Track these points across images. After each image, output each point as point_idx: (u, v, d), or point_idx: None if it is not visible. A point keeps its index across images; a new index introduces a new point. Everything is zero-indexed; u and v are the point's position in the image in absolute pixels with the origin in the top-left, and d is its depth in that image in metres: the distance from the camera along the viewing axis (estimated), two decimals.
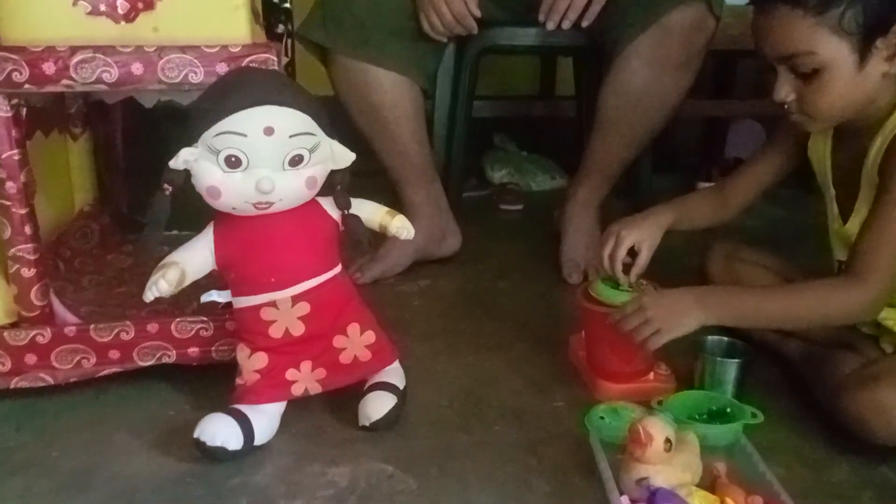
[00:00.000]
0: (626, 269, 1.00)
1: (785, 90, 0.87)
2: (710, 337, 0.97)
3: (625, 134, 1.32)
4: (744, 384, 0.93)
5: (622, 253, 0.99)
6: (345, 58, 1.31)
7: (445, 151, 1.53)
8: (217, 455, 0.80)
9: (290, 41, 1.88)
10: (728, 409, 0.89)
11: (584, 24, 1.25)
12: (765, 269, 1.11)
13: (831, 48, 0.82)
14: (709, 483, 0.77)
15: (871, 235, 0.85)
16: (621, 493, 0.74)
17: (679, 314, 0.89)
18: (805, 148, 1.01)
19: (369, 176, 1.40)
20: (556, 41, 1.42)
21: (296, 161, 0.81)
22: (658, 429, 0.74)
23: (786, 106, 0.88)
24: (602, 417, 0.88)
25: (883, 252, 0.84)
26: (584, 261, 1.41)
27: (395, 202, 1.40)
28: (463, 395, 0.98)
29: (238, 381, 0.87)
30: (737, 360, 0.92)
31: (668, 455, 0.75)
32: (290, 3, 2.37)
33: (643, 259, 1.00)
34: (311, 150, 0.82)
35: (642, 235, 1.00)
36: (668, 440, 0.75)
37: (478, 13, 1.26)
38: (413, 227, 0.92)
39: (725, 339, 0.98)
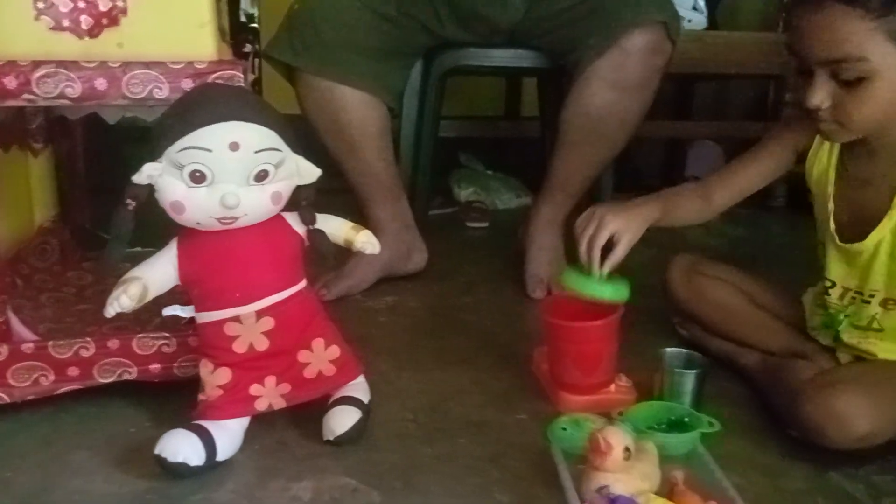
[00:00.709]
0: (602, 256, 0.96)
1: (821, 96, 0.82)
2: (668, 349, 1.00)
3: (586, 153, 1.36)
4: (702, 395, 0.95)
5: (603, 239, 0.93)
6: (312, 77, 1.33)
7: (412, 169, 1.54)
8: (178, 471, 0.79)
9: (257, 60, 1.89)
10: (686, 419, 0.91)
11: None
12: (724, 282, 1.13)
13: (885, 56, 0.78)
14: (667, 491, 0.79)
15: None
16: (582, 502, 0.76)
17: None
18: (798, 157, 0.98)
19: (336, 193, 1.42)
20: (519, 63, 1.46)
21: (261, 176, 0.82)
22: (617, 438, 0.76)
23: (819, 113, 0.84)
24: (564, 429, 0.89)
25: None
26: (548, 276, 1.43)
27: (362, 219, 1.41)
28: (427, 409, 0.99)
29: (200, 396, 0.87)
30: (694, 372, 0.95)
31: (628, 464, 0.77)
32: (258, 23, 2.39)
33: (620, 252, 0.94)
34: (277, 166, 0.83)
35: (625, 227, 0.94)
36: (627, 449, 0.76)
37: None
38: (378, 243, 0.93)
39: (684, 351, 1.00)
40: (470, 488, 0.82)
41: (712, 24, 2.14)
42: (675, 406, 0.93)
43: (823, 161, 0.95)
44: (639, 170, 2.49)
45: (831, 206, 0.93)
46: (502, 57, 1.46)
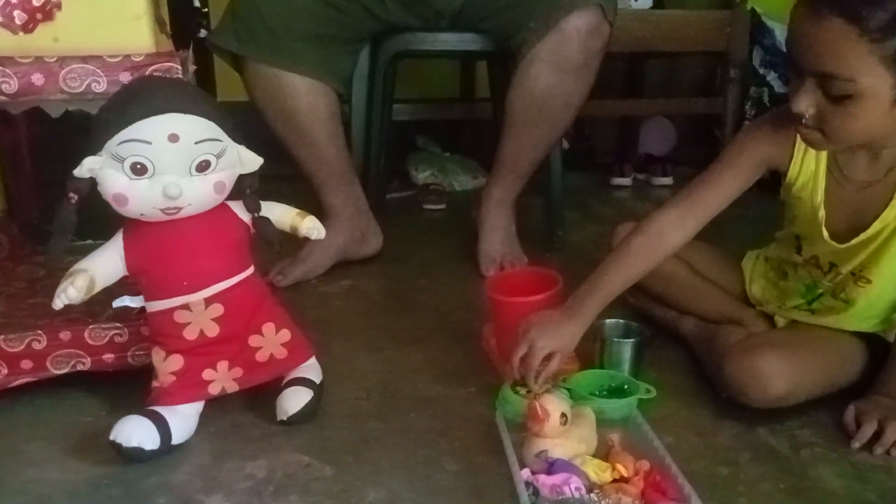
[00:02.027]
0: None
1: (806, 103, 0.80)
2: (608, 321, 1.05)
3: (532, 134, 1.39)
4: (640, 362, 1.00)
5: (535, 363, 0.91)
6: (258, 64, 1.34)
7: (364, 154, 1.56)
8: (133, 456, 0.82)
9: None
10: (625, 386, 0.96)
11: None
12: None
13: (873, 80, 0.76)
14: (604, 452, 0.83)
15: None
16: (523, 467, 0.80)
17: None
18: (762, 169, 0.95)
19: (289, 179, 1.43)
20: (465, 47, 1.48)
21: (203, 166, 0.83)
22: (554, 405, 0.80)
23: (803, 119, 0.82)
24: (516, 391, 0.92)
25: None
26: (500, 255, 1.47)
27: (317, 205, 1.43)
28: (380, 388, 1.02)
29: (154, 383, 0.89)
30: (631, 341, 1.00)
31: (565, 429, 0.81)
32: (207, 7, 2.37)
33: (553, 366, 0.92)
34: (218, 156, 0.84)
35: (557, 346, 0.91)
36: (563, 415, 0.81)
37: None
38: (324, 228, 0.95)
39: (622, 321, 1.05)
40: (419, 459, 0.86)
41: (658, 3, 2.18)
42: (615, 373, 0.98)
43: (811, 168, 0.92)
44: (593, 148, 2.55)
45: (822, 213, 0.92)
46: (448, 41, 1.48)
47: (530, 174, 1.48)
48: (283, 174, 1.43)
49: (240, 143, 0.88)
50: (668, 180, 2.25)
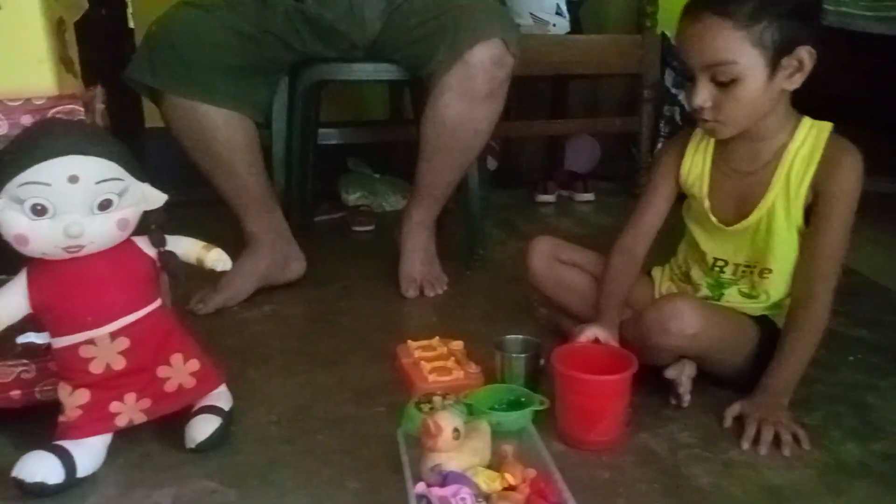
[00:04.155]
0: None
1: (703, 96, 0.95)
2: (508, 336, 1.11)
3: (445, 159, 1.45)
4: (536, 375, 1.07)
5: (579, 337, 1.02)
6: (174, 96, 1.36)
7: (285, 180, 1.60)
8: (37, 491, 0.83)
9: None
10: (522, 399, 1.02)
11: None
12: (579, 269, 1.24)
13: (751, 60, 0.92)
14: (498, 463, 0.89)
15: (814, 263, 1.00)
16: (419, 481, 0.85)
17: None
18: (675, 181, 1.11)
19: (215, 204, 1.46)
20: (379, 76, 1.54)
21: (105, 205, 0.86)
22: (446, 421, 0.86)
23: (703, 112, 0.97)
24: (419, 407, 0.97)
25: (825, 272, 0.99)
26: (420, 276, 1.53)
27: (241, 230, 1.46)
28: (291, 411, 1.06)
29: (61, 418, 0.90)
30: (524, 356, 1.06)
31: (458, 443, 0.86)
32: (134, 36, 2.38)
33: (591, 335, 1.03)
34: (120, 194, 0.87)
35: (597, 333, 1.02)
36: (456, 430, 0.86)
37: None
38: (230, 260, 0.98)
39: (521, 337, 1.11)
40: (323, 479, 0.90)
41: (576, 27, 2.29)
42: (514, 387, 1.04)
43: (699, 166, 1.08)
44: (521, 166, 2.64)
45: (707, 203, 1.07)
46: (363, 71, 1.53)
47: (448, 196, 1.55)
48: (208, 199, 1.47)
49: (144, 180, 0.91)
50: (589, 196, 2.35)
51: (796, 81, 0.97)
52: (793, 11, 0.93)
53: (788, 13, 0.92)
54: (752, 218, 1.04)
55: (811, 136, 1.01)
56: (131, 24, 2.46)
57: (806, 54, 0.95)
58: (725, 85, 0.94)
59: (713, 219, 1.07)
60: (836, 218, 0.99)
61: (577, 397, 0.96)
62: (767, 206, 1.02)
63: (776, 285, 1.06)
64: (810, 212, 1.02)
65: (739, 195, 1.06)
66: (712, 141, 1.08)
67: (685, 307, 0.98)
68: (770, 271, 1.06)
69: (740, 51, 0.92)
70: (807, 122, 1.02)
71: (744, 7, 0.91)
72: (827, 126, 1.02)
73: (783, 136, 1.02)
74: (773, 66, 0.94)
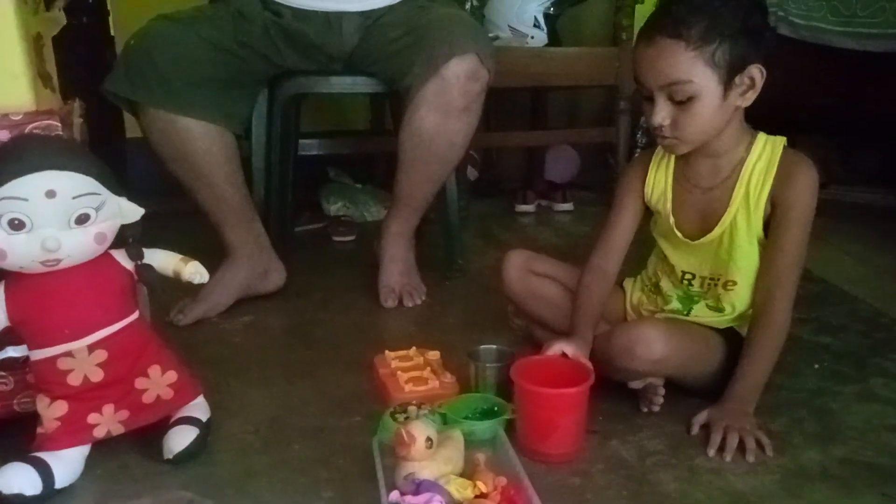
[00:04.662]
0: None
1: (661, 115, 0.99)
2: (482, 347, 1.13)
3: (422, 171, 1.47)
4: (508, 385, 1.08)
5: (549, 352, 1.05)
6: (153, 109, 1.37)
7: (265, 191, 1.61)
8: (15, 502, 0.84)
9: None
10: (495, 408, 1.04)
11: None
12: (552, 281, 1.27)
13: (705, 79, 0.96)
14: (471, 471, 0.91)
15: (773, 271, 1.03)
16: (393, 489, 0.87)
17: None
18: (641, 198, 1.14)
19: (193, 214, 1.47)
20: (357, 89, 1.57)
21: (82, 219, 0.87)
22: (419, 430, 0.88)
23: (662, 130, 1.00)
24: (394, 416, 0.99)
25: (784, 281, 1.03)
26: (399, 286, 1.54)
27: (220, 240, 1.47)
28: (268, 421, 1.07)
29: (39, 430, 0.91)
30: (497, 365, 1.08)
31: (431, 451, 0.88)
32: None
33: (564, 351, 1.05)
34: (98, 209, 0.89)
35: (566, 348, 1.04)
36: (429, 439, 0.88)
37: None
38: (207, 273, 0.99)
39: (494, 347, 1.14)
40: (299, 489, 0.91)
41: (554, 40, 2.32)
42: (487, 396, 1.06)
43: (661, 183, 1.12)
44: (501, 176, 2.67)
45: (672, 219, 1.11)
46: (341, 83, 1.56)
47: (426, 207, 1.57)
48: (189, 209, 1.48)
49: (121, 194, 0.92)
50: (568, 206, 2.38)
51: (749, 98, 1.01)
52: (742, 32, 0.97)
53: (737, 34, 0.96)
54: (716, 232, 1.07)
55: (766, 150, 1.05)
56: (112, 33, 2.48)
57: (757, 72, 0.99)
58: (683, 103, 0.98)
59: (678, 234, 1.11)
60: (792, 228, 1.03)
61: (531, 409, 0.98)
62: (730, 219, 1.06)
63: (741, 297, 1.09)
64: (769, 223, 1.05)
65: (702, 210, 1.09)
66: (673, 158, 1.11)
67: (651, 332, 1.01)
68: (735, 283, 1.09)
69: (694, 70, 0.96)
70: (762, 137, 1.06)
71: (694, 29, 0.96)
72: (780, 140, 1.06)
73: (740, 151, 1.06)
74: (727, 84, 0.98)
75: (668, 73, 0.97)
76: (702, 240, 1.09)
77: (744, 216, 1.05)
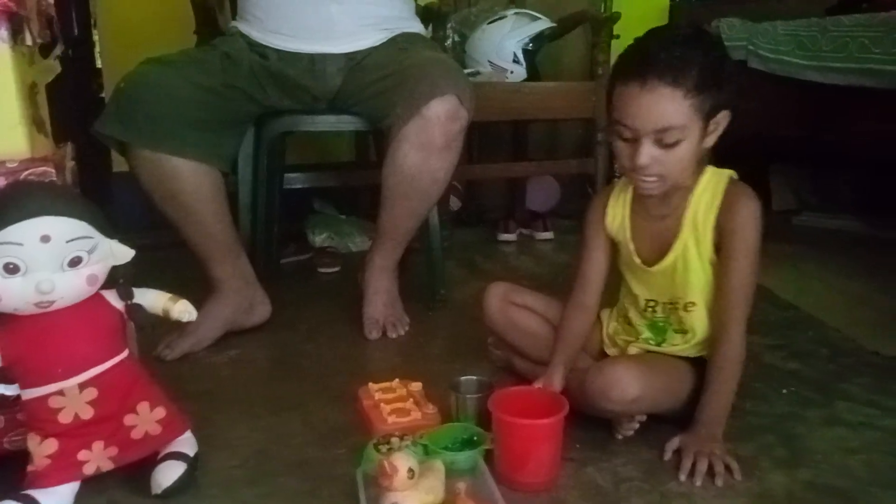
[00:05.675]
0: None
1: (648, 158, 1.02)
2: (463, 378, 1.17)
3: (404, 206, 1.52)
4: (488, 415, 1.12)
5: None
6: (142, 150, 1.41)
7: (251, 226, 1.65)
8: None
9: None
10: (475, 438, 1.08)
11: None
12: (532, 312, 1.32)
13: (693, 124, 1.01)
14: (451, 500, 0.94)
15: (723, 301, 1.09)
16: None
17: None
18: (606, 231, 1.19)
19: (179, 247, 1.50)
20: (341, 128, 1.62)
21: (75, 262, 0.91)
22: (401, 461, 0.91)
23: (645, 170, 1.03)
24: (378, 448, 1.03)
25: (734, 309, 1.08)
26: (384, 317, 1.58)
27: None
28: (255, 455, 1.10)
29: (30, 467, 0.94)
30: (477, 396, 1.12)
31: (413, 482, 0.91)
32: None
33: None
34: (90, 251, 0.92)
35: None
36: (410, 469, 0.91)
37: None
38: (195, 311, 1.03)
39: (475, 377, 1.18)
40: None
41: (533, 74, 2.40)
42: (468, 426, 1.10)
43: (619, 215, 1.18)
44: (483, 206, 2.73)
45: (632, 246, 1.16)
46: (325, 122, 1.61)
47: (408, 240, 1.62)
48: (175, 242, 1.51)
49: (112, 237, 0.96)
50: (549, 235, 2.44)
51: (713, 140, 1.07)
52: (723, 80, 1.03)
53: (720, 82, 1.03)
54: (669, 258, 1.13)
55: (712, 182, 1.11)
56: (99, 65, 2.53)
57: (724, 117, 1.06)
58: (670, 146, 1.02)
59: (637, 260, 1.17)
60: (739, 254, 1.08)
61: (507, 439, 1.01)
62: (681, 246, 1.12)
63: (701, 318, 1.14)
64: (720, 247, 1.11)
65: (657, 237, 1.15)
66: (630, 192, 1.17)
67: (624, 374, 1.05)
68: (694, 304, 1.14)
69: (687, 116, 1.01)
70: (709, 170, 1.12)
71: (689, 77, 1.00)
72: (727, 173, 1.12)
73: (689, 183, 1.11)
74: (705, 128, 1.04)
75: (666, 119, 1.00)
76: (658, 266, 1.14)
77: (693, 243, 1.11)
